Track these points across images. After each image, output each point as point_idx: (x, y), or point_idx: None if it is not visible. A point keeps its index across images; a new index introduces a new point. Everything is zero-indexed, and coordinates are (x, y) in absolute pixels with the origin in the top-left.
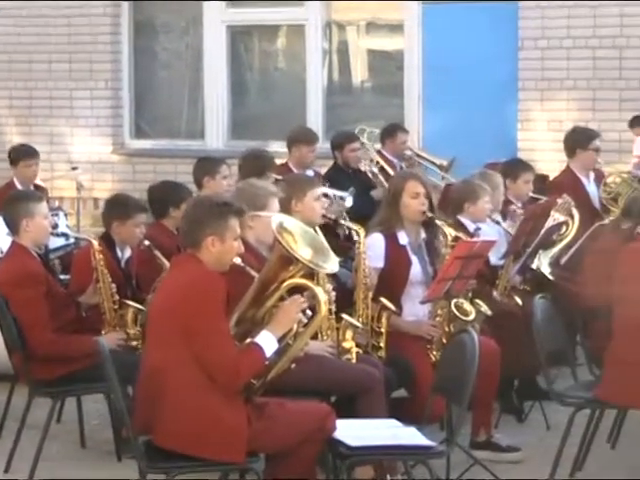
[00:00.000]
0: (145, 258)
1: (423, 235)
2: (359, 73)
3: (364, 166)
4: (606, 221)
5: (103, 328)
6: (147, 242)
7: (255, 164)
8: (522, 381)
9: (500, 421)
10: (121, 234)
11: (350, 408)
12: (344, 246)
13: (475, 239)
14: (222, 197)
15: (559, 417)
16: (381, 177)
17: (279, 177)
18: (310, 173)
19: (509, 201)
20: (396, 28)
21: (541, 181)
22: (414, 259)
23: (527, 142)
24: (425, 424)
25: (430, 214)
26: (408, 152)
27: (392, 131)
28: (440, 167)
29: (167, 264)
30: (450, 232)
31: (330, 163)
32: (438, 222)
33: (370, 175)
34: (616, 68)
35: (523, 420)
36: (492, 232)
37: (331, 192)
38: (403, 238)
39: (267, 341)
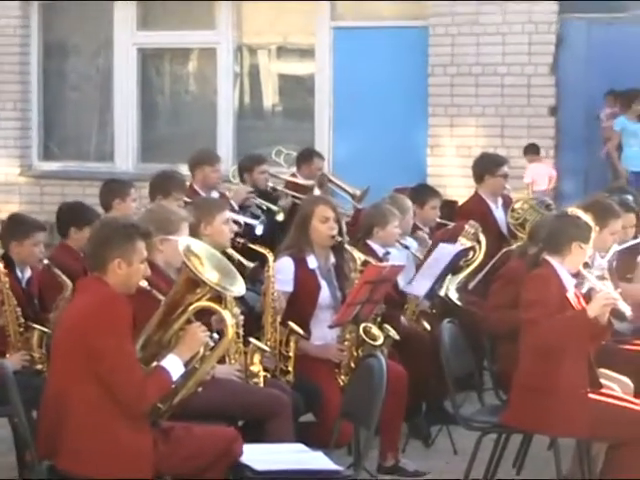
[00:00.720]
0: (45, 277)
1: (332, 259)
2: (270, 97)
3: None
4: (513, 247)
5: (7, 351)
6: (46, 261)
7: (162, 185)
8: (429, 405)
9: (407, 446)
10: (20, 254)
11: (257, 432)
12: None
13: (384, 264)
14: (129, 219)
15: (466, 441)
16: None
17: (187, 199)
18: (215, 195)
19: (417, 226)
20: (307, 52)
21: (450, 207)
22: (323, 283)
23: (436, 167)
24: (332, 448)
25: (339, 238)
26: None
27: (308, 156)
28: (353, 196)
29: (69, 283)
30: (359, 256)
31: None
32: (347, 246)
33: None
34: (524, 95)
35: (430, 445)
36: (401, 257)
37: (241, 219)
38: (312, 262)
39: (173, 364)
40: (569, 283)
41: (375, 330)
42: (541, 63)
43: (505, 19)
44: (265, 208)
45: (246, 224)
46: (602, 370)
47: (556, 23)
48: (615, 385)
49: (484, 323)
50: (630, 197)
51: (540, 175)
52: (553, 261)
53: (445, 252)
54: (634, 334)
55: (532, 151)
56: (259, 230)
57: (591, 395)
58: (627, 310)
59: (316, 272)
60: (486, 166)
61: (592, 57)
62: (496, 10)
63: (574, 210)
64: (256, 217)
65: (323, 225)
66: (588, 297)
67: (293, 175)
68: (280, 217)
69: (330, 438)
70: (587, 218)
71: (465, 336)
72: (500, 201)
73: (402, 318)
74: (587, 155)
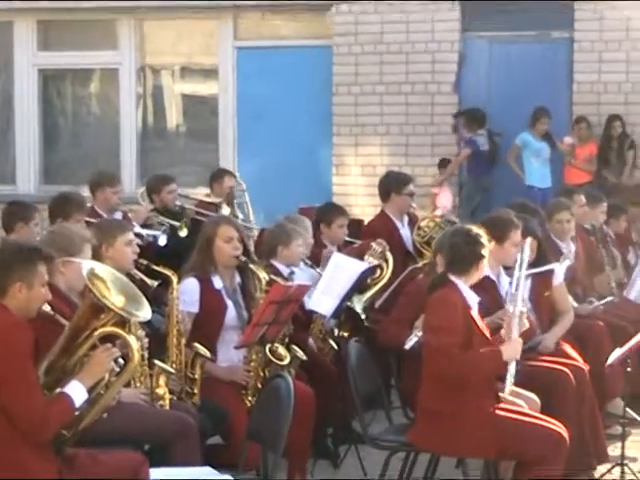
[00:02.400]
0: None
1: (238, 279)
2: (173, 117)
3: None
4: (420, 264)
5: None
6: None
7: (61, 208)
8: (337, 425)
9: (315, 466)
10: None
11: (164, 456)
12: None
13: (290, 283)
14: (30, 242)
15: (375, 461)
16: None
17: (90, 220)
18: (119, 216)
19: (324, 245)
20: (210, 73)
21: (356, 225)
22: (229, 303)
23: (341, 186)
24: (241, 471)
25: (244, 258)
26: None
27: (220, 175)
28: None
29: None
30: (264, 276)
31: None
32: (252, 266)
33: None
34: (428, 114)
35: (339, 465)
36: (307, 276)
37: (144, 232)
38: (218, 282)
39: (77, 391)
40: (472, 301)
41: (282, 350)
42: (444, 82)
43: (408, 38)
44: (168, 225)
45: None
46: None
47: (459, 42)
48: (522, 402)
49: (381, 335)
50: (533, 216)
51: (448, 190)
52: (457, 280)
53: (349, 270)
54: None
55: (445, 165)
56: (162, 240)
57: (498, 412)
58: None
59: (222, 292)
60: (392, 184)
61: (494, 75)
62: (399, 29)
63: (471, 227)
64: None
65: (227, 245)
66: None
67: (207, 195)
68: (183, 233)
69: (238, 460)
70: (482, 233)
71: (372, 355)
72: (406, 219)
73: (309, 339)
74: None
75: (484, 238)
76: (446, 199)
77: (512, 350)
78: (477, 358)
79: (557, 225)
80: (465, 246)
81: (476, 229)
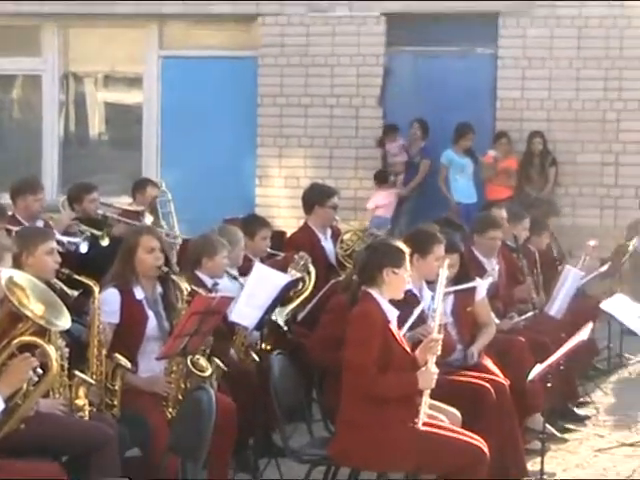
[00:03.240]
0: None
1: (159, 290)
2: (96, 125)
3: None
4: (342, 278)
5: None
6: None
7: None
8: (257, 438)
9: (235, 479)
10: None
11: (82, 467)
12: None
13: (213, 295)
14: None
15: (295, 474)
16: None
17: (10, 227)
18: (41, 224)
19: (247, 257)
20: (135, 81)
21: (278, 237)
22: (150, 314)
23: (265, 198)
24: None
25: (166, 269)
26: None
27: (142, 185)
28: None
29: None
30: (186, 287)
31: None
32: (174, 277)
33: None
34: (352, 127)
35: (259, 478)
36: (231, 288)
37: (65, 239)
38: (139, 293)
39: None
40: (391, 314)
41: (203, 362)
42: (369, 95)
43: (334, 51)
44: (89, 234)
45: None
46: (431, 401)
47: (384, 55)
48: (444, 416)
49: (311, 354)
50: (457, 231)
51: (384, 202)
52: (372, 292)
53: (271, 282)
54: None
55: (380, 178)
56: (84, 248)
57: (418, 426)
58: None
59: (143, 303)
60: (316, 197)
61: (418, 89)
62: (325, 42)
63: (384, 238)
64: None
65: (149, 255)
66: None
67: (130, 204)
68: (105, 242)
69: (157, 473)
70: (398, 243)
71: (294, 367)
72: (329, 232)
73: (231, 350)
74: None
75: (392, 247)
76: (381, 197)
77: (428, 379)
78: (393, 382)
79: (489, 242)
80: (368, 255)
81: (388, 240)
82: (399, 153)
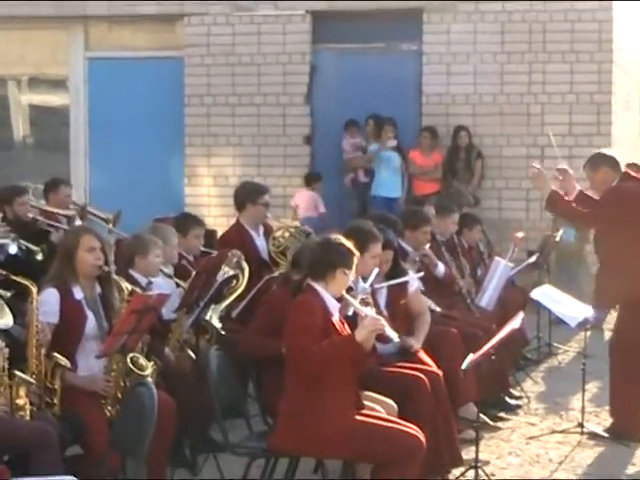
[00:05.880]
0: None
1: (98, 289)
2: (21, 128)
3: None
4: (275, 274)
5: None
6: None
7: None
8: (195, 434)
9: (174, 475)
10: None
11: (24, 466)
12: None
13: (150, 293)
14: None
15: (235, 468)
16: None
17: None
18: None
19: (181, 255)
20: (60, 83)
21: (210, 235)
22: (89, 314)
23: (194, 197)
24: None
25: (106, 268)
26: (72, 206)
27: (55, 185)
28: (106, 221)
29: None
30: (127, 286)
31: None
32: (114, 276)
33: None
34: (280, 125)
35: (197, 473)
36: (166, 286)
37: None
38: (78, 293)
39: None
40: (334, 308)
41: (142, 360)
42: (296, 93)
43: (260, 50)
44: (25, 247)
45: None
46: (367, 393)
47: (309, 53)
48: (380, 407)
49: (240, 347)
50: (391, 227)
51: (306, 203)
52: (317, 287)
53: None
54: (399, 356)
55: (313, 179)
56: (13, 249)
57: (356, 417)
58: (394, 336)
59: (82, 303)
60: (247, 194)
61: (344, 86)
62: (251, 40)
63: (337, 237)
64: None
65: (89, 255)
66: (353, 322)
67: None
68: (40, 256)
69: (98, 470)
70: (350, 244)
71: (231, 363)
72: (261, 229)
73: (167, 348)
74: (341, 182)
75: (345, 248)
76: (302, 197)
77: (362, 328)
78: (332, 347)
79: (422, 237)
80: (322, 252)
81: (338, 238)
82: (356, 149)
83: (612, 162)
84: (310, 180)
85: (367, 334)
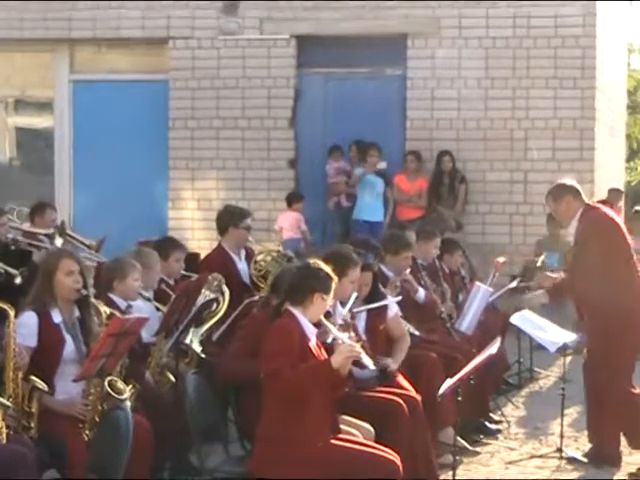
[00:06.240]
0: None
1: (77, 313)
2: (7, 151)
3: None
4: (256, 298)
5: None
6: None
7: None
8: (174, 458)
9: None
10: None
11: None
12: None
13: (128, 316)
14: None
15: None
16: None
17: None
18: None
19: (161, 279)
20: (46, 106)
21: (192, 259)
22: (67, 337)
23: (177, 221)
24: None
25: (85, 292)
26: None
27: (41, 208)
28: (89, 247)
29: None
30: (105, 310)
31: None
32: (93, 300)
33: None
34: (264, 149)
35: None
36: (146, 309)
37: None
38: (57, 316)
39: None
40: (311, 333)
41: (120, 384)
42: (280, 117)
43: (244, 73)
44: (3, 272)
45: None
46: (344, 417)
47: (294, 77)
48: (357, 432)
49: (219, 371)
50: (372, 252)
51: (290, 223)
52: (295, 311)
53: None
54: (378, 380)
55: (294, 199)
56: None
57: (333, 441)
58: (370, 364)
59: (60, 326)
60: (230, 218)
61: (329, 110)
62: (236, 64)
63: (316, 262)
64: None
65: (68, 278)
66: (330, 347)
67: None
68: (18, 280)
69: None
70: (328, 270)
71: (210, 387)
72: (243, 253)
73: (146, 371)
74: (325, 206)
75: (324, 273)
76: (285, 219)
77: (338, 354)
78: (307, 371)
79: (403, 262)
80: (300, 277)
81: (317, 263)
82: (340, 173)
83: (574, 192)
84: (292, 200)
85: (343, 360)
